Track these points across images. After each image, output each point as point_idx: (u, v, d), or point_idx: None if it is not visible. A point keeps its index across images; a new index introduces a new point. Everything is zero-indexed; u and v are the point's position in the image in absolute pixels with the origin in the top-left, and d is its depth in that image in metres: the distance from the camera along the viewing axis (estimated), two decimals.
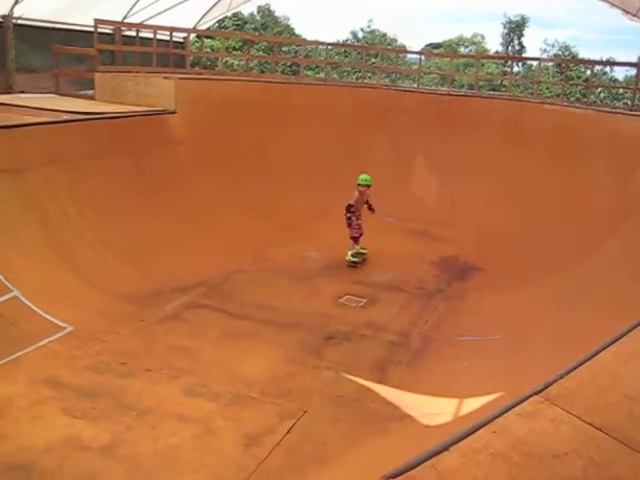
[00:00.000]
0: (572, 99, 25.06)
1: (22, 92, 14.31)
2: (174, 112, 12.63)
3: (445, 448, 3.42)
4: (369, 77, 25.85)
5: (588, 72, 28.90)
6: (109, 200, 9.97)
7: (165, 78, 13.42)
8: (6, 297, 7.58)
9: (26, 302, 7.63)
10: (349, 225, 10.90)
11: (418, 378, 7.10)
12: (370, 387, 6.82)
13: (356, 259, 10.81)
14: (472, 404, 6.09)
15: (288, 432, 5.85)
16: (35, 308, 7.62)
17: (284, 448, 5.63)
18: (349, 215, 10.77)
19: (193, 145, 12.41)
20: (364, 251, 11.06)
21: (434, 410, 6.23)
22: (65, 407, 6.07)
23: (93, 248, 9.12)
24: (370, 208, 11.09)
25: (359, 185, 10.87)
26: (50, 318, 7.62)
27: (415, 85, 21.16)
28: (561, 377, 3.92)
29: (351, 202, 10.74)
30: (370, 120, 15.12)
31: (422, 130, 14.75)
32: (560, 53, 40.32)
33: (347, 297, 9.41)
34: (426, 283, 10.34)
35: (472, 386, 6.56)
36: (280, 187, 12.61)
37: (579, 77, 32.95)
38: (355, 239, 10.89)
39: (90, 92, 14.25)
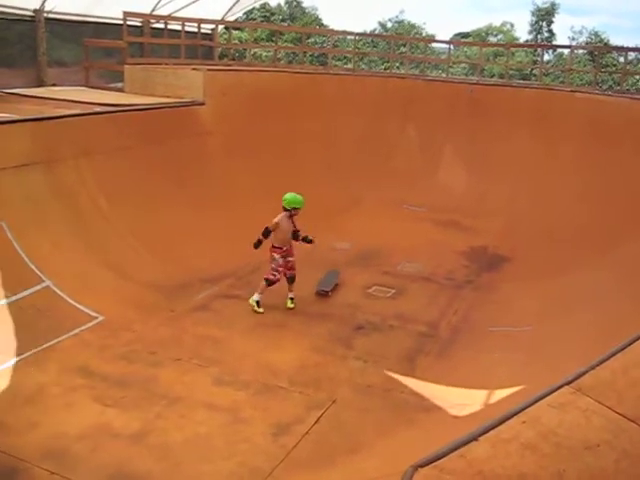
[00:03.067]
0: (604, 87, 24.64)
1: (54, 85, 14.48)
2: (203, 103, 12.68)
3: (474, 438, 3.39)
4: (397, 67, 25.67)
5: (621, 59, 28.40)
6: (139, 191, 10.04)
7: (193, 70, 13.48)
8: (39, 287, 7.70)
9: (58, 292, 7.74)
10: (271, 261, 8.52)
11: (447, 369, 7.06)
12: (399, 377, 6.80)
13: (255, 307, 8.29)
14: (501, 395, 6.04)
15: (316, 422, 5.87)
16: (67, 298, 7.73)
17: (313, 437, 5.64)
18: (260, 239, 8.41)
19: (222, 136, 12.45)
20: (260, 310, 8.27)
21: (463, 401, 6.19)
22: (96, 395, 6.16)
23: (123, 239, 9.22)
24: (295, 236, 8.52)
25: (285, 209, 8.42)
26: (81, 308, 7.73)
27: (444, 75, 20.98)
28: (593, 368, 3.86)
29: (268, 226, 8.35)
30: (398, 110, 15.05)
31: (451, 120, 14.64)
32: (590, 40, 39.59)
33: (375, 287, 9.39)
34: (455, 273, 10.26)
35: (501, 377, 6.51)
36: (309, 177, 12.59)
37: (614, 65, 32.34)
38: (269, 282, 8.36)
39: (119, 84, 14.37)
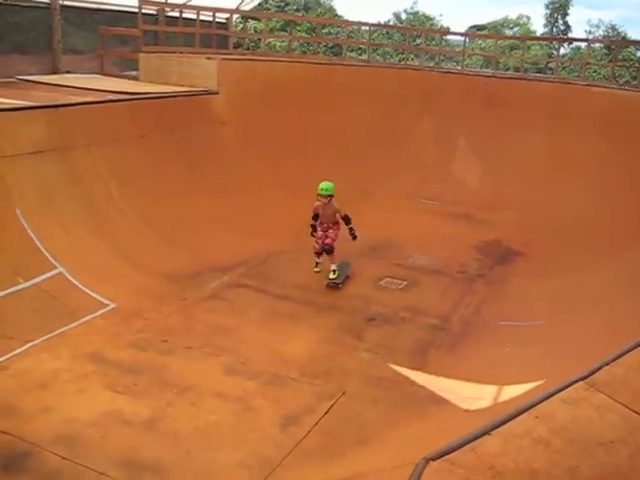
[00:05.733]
0: (621, 81, 24.42)
1: (68, 72, 14.50)
2: (217, 92, 12.66)
3: (486, 432, 3.39)
4: (412, 59, 25.54)
5: (639, 54, 28.12)
6: (152, 179, 10.06)
7: (208, 59, 13.46)
8: (51, 273, 7.75)
9: (71, 279, 7.79)
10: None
11: (458, 362, 7.04)
12: (409, 370, 6.78)
13: (335, 277, 9.03)
14: (513, 389, 6.01)
15: (326, 413, 5.87)
16: (79, 285, 7.78)
17: (322, 428, 5.64)
18: (312, 223, 9.31)
19: (236, 125, 12.44)
20: (315, 269, 9.45)
21: (474, 394, 6.17)
22: (108, 382, 6.19)
23: (136, 227, 9.24)
24: (346, 221, 9.27)
25: (318, 195, 9.07)
26: (93, 295, 7.76)
27: (459, 67, 20.85)
28: (607, 364, 3.84)
29: (314, 211, 9.23)
30: (413, 102, 14.97)
31: (465, 113, 14.55)
32: (607, 34, 39.20)
33: (387, 279, 9.36)
34: (467, 267, 10.21)
35: (513, 371, 6.48)
36: (321, 168, 12.50)
37: (631, 59, 32.02)
38: (315, 251, 9.36)
39: (134, 72, 14.38)
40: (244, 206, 10.77)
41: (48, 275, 7.69)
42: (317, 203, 9.07)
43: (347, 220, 9.17)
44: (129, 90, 11.55)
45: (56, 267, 7.81)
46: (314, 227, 9.24)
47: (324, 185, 8.97)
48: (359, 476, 4.80)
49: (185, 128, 11.32)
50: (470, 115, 14.48)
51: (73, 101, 9.97)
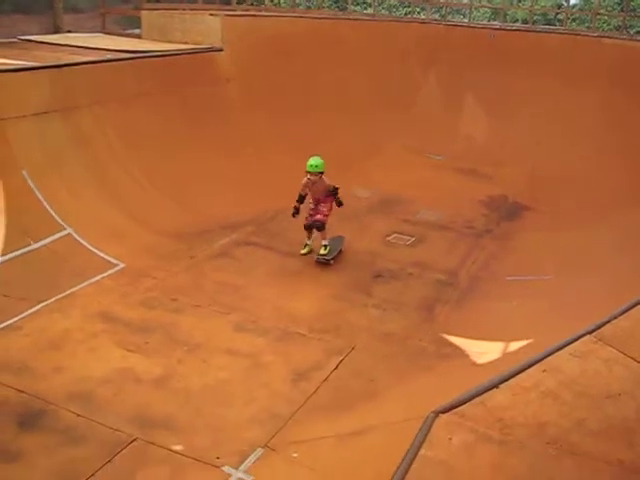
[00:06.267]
0: (632, 32, 23.95)
1: (69, 32, 14.31)
2: (221, 50, 12.49)
3: (494, 385, 3.42)
4: (418, 12, 25.03)
5: None
6: (157, 138, 10.00)
7: (211, 15, 13.23)
8: (60, 234, 7.78)
9: (79, 239, 7.82)
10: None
11: (466, 317, 7.08)
12: (417, 325, 6.83)
13: (326, 253, 8.36)
14: (521, 343, 6.07)
15: (336, 368, 5.94)
16: (88, 245, 7.81)
17: (332, 383, 5.72)
18: (295, 205, 8.46)
19: (240, 83, 12.29)
20: (302, 251, 8.61)
21: (482, 349, 6.23)
22: (119, 341, 6.26)
23: (142, 186, 9.22)
24: (338, 203, 8.56)
25: (307, 172, 8.31)
26: (102, 255, 7.80)
27: (466, 20, 20.47)
28: (615, 317, 3.85)
29: (300, 192, 8.44)
30: (419, 56, 14.74)
31: (473, 66, 14.32)
32: None
33: (395, 235, 9.36)
34: (474, 222, 10.19)
35: (521, 325, 6.53)
36: (329, 125, 12.45)
37: None
38: (306, 227, 8.54)
39: (137, 31, 14.19)
40: (250, 164, 10.71)
41: (57, 236, 7.72)
42: (305, 180, 8.31)
43: (335, 192, 8.46)
44: (132, 48, 11.42)
45: (65, 228, 7.84)
46: (297, 209, 8.41)
47: (313, 161, 8.22)
48: (369, 429, 4.88)
49: (190, 86, 11.20)
50: (477, 69, 14.24)
51: (76, 60, 9.87)
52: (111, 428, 5.01)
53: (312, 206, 8.53)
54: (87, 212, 8.26)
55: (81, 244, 7.76)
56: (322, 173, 8.29)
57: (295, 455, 4.76)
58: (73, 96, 9.28)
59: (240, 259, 8.26)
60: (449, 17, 22.05)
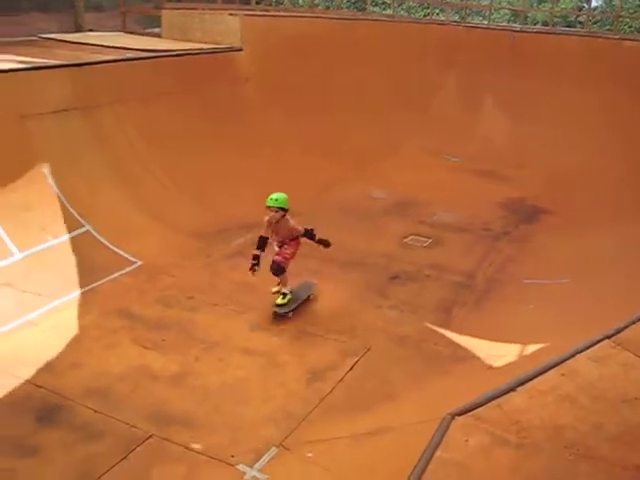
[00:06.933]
0: None
1: (91, 30, 14.43)
2: (240, 49, 12.55)
3: (511, 388, 3.41)
4: (437, 14, 24.97)
5: None
6: (176, 137, 10.06)
7: (231, 15, 13.29)
8: (79, 231, 7.85)
9: (98, 237, 7.89)
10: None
11: (482, 320, 7.05)
12: (434, 327, 6.82)
13: (284, 302, 7.00)
14: (537, 347, 6.02)
15: (351, 369, 5.94)
16: (106, 242, 7.88)
17: (347, 384, 5.72)
18: (260, 238, 6.88)
19: (259, 82, 12.34)
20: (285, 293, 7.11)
21: (498, 352, 6.19)
22: (136, 338, 6.31)
23: (162, 184, 9.28)
24: (325, 244, 7.26)
25: (267, 207, 6.87)
26: (120, 252, 7.87)
27: (485, 22, 20.39)
28: (634, 322, 3.83)
29: (262, 234, 6.88)
30: (438, 57, 14.72)
31: (492, 68, 14.26)
32: None
33: (412, 237, 9.35)
34: (492, 225, 10.15)
35: (538, 329, 6.49)
36: (346, 125, 12.47)
37: None
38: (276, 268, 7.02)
39: (157, 30, 14.27)
40: (268, 163, 10.73)
41: (76, 233, 7.79)
42: (267, 217, 6.84)
43: (311, 235, 7.15)
44: (152, 48, 11.50)
45: (83, 225, 7.91)
46: (256, 259, 6.80)
47: (274, 195, 6.86)
48: (384, 430, 4.88)
49: (209, 85, 11.26)
50: (497, 71, 14.19)
51: (97, 59, 9.96)
52: (128, 424, 5.05)
53: (276, 249, 7.14)
54: (106, 209, 8.32)
55: (99, 241, 7.83)
56: (285, 210, 6.89)
57: (310, 455, 4.76)
58: (94, 94, 9.37)
59: None
60: (468, 19, 21.97)
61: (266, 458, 4.74)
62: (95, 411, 5.21)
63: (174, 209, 9.04)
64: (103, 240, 7.87)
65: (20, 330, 6.33)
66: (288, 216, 6.96)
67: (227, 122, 11.18)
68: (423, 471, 2.94)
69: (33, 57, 9.74)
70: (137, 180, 9.12)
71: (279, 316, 6.83)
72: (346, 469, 4.48)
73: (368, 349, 6.26)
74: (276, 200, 6.81)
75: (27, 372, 5.66)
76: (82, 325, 6.47)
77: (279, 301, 6.96)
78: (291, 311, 6.93)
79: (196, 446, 4.85)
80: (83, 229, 7.87)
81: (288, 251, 7.04)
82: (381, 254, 8.69)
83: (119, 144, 9.34)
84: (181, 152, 9.85)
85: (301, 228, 7.09)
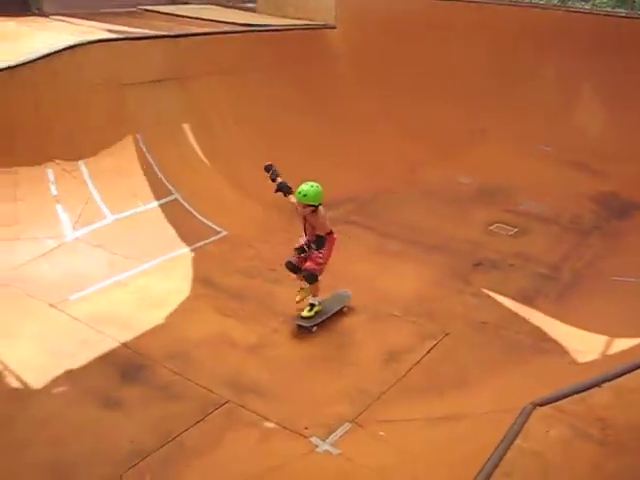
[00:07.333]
0: None
1: (186, 3, 14.68)
2: (334, 27, 12.51)
3: (597, 384, 3.31)
4: None
5: None
6: (265, 111, 10.15)
7: None
8: (168, 199, 8.08)
9: (186, 205, 8.07)
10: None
11: (566, 313, 6.83)
12: (515, 317, 6.67)
13: (310, 315, 6.21)
14: (623, 344, 5.84)
15: (428, 352, 5.89)
16: (193, 211, 8.07)
17: (423, 367, 5.69)
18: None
19: (351, 61, 12.28)
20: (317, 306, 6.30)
21: (580, 347, 6.02)
22: (217, 306, 6.45)
23: (249, 157, 9.34)
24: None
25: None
26: (207, 222, 8.04)
27: (587, 6, 19.57)
28: None
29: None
30: (536, 42, 14.22)
31: (593, 56, 13.63)
32: None
33: (497, 225, 9.14)
34: (582, 218, 9.78)
35: (626, 327, 6.24)
36: (436, 109, 12.22)
37: None
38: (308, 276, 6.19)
39: (251, 4, 14.39)
40: (356, 143, 10.68)
41: (165, 200, 8.02)
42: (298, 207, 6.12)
43: (321, 242, 6.22)
44: (246, 22, 11.60)
45: (172, 193, 8.12)
46: (284, 186, 6.43)
47: (304, 187, 6.06)
48: (458, 416, 4.84)
49: (301, 62, 11.29)
50: (598, 59, 13.55)
51: (193, 31, 10.14)
52: (205, 388, 5.20)
53: (303, 239, 6.30)
54: (194, 179, 8.52)
55: (187, 210, 8.03)
56: (315, 206, 6.05)
57: (382, 434, 4.77)
58: (188, 66, 9.57)
59: (338, 236, 8.26)
60: (569, 3, 21.18)
61: (339, 433, 4.78)
62: (175, 373, 5.38)
63: (260, 182, 9.07)
64: (190, 209, 8.05)
65: (109, 290, 6.60)
66: (322, 210, 6.14)
67: (318, 99, 11.19)
68: (501, 458, 2.89)
69: (133, 27, 10.02)
70: (226, 152, 9.26)
71: (302, 329, 6.15)
72: (417, 451, 4.46)
73: (447, 334, 6.18)
74: (304, 196, 5.97)
75: (114, 331, 5.90)
76: (167, 289, 6.67)
77: (305, 313, 6.19)
78: (316, 325, 6.17)
79: (270, 415, 4.93)
80: (172, 197, 8.09)
81: (320, 255, 6.21)
82: (465, 240, 8.53)
83: (210, 116, 9.51)
84: (270, 126, 9.92)
85: (329, 226, 6.29)
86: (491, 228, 9.04)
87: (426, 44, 13.27)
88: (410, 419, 4.98)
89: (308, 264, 6.14)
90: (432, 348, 5.95)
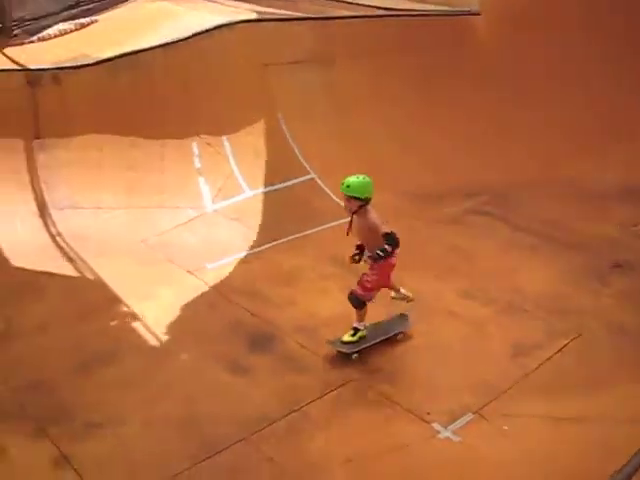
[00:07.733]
0: None
1: None
2: (478, 14, 12.16)
3: None
4: None
5: None
6: (403, 97, 10.01)
7: None
8: (304, 178, 8.27)
9: (321, 185, 8.21)
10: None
11: None
12: None
13: (353, 340, 5.56)
14: None
15: (559, 351, 5.69)
16: (328, 191, 8.18)
17: (553, 365, 5.51)
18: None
19: (492, 49, 11.84)
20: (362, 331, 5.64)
21: None
22: (346, 286, 6.43)
23: (385, 141, 9.34)
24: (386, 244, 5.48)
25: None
26: (340, 202, 8.11)
27: None
28: None
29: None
30: None
31: None
32: None
33: None
34: None
35: None
36: (579, 102, 11.65)
37: None
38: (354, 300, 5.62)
39: None
40: (496, 133, 10.33)
41: (301, 179, 8.22)
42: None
43: (389, 239, 5.51)
44: (390, 6, 11.51)
45: (309, 172, 8.28)
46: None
47: (350, 178, 5.47)
48: (586, 420, 4.69)
49: (443, 48, 11.03)
50: None
51: (339, 14, 10.22)
52: (331, 364, 5.30)
53: (355, 249, 5.73)
54: (331, 160, 8.61)
55: (323, 190, 8.16)
56: (362, 200, 5.46)
57: (505, 428, 4.71)
58: (330, 48, 9.65)
59: (471, 226, 8.15)
60: None
61: (461, 422, 4.77)
62: (302, 346, 5.56)
63: (395, 167, 9.05)
64: (326, 189, 8.18)
65: (243, 262, 6.91)
66: (368, 209, 5.51)
67: (455, 88, 10.89)
68: (636, 470, 2.77)
69: (278, 9, 10.24)
70: (363, 134, 9.28)
71: (343, 352, 5.54)
72: (538, 450, 4.40)
73: (579, 334, 5.93)
74: (347, 187, 5.34)
75: (244, 300, 6.17)
76: (298, 266, 6.87)
77: (346, 338, 5.56)
78: (357, 352, 5.52)
79: (394, 397, 5.00)
80: (309, 176, 8.26)
81: (369, 280, 5.54)
82: (604, 239, 8.08)
83: (348, 98, 9.57)
84: (408, 112, 9.81)
85: (382, 227, 5.52)
86: (634, 228, 8.56)
87: (579, 34, 12.54)
88: (535, 416, 4.88)
89: (357, 288, 5.58)
90: (563, 347, 5.75)
